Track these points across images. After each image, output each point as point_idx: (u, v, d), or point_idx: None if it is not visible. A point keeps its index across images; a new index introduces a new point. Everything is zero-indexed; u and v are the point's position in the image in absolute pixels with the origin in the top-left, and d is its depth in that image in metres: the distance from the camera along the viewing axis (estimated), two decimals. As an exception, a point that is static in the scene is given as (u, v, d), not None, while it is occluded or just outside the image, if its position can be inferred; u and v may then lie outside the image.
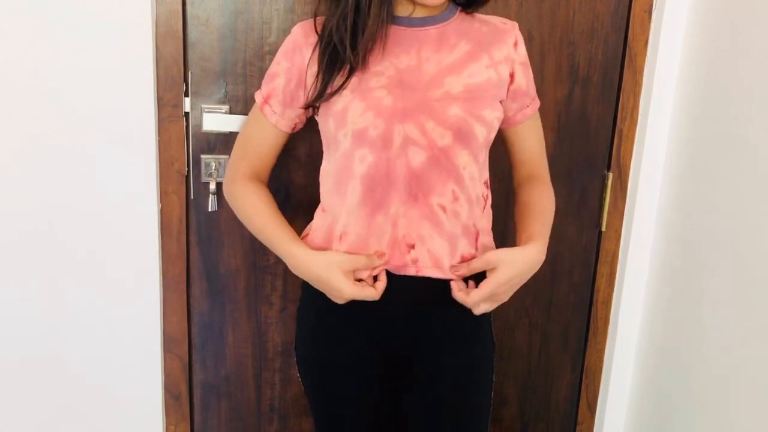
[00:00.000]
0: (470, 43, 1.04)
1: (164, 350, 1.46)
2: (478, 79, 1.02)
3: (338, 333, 1.10)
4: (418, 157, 1.00)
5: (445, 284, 1.05)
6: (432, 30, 1.03)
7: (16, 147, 1.30)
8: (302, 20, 1.34)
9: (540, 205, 1.12)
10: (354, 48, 0.98)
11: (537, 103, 1.14)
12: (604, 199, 1.53)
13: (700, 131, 1.37)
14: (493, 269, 1.01)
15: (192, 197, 1.39)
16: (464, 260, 1.06)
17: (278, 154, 1.15)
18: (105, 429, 1.47)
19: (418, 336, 1.09)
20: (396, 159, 1.00)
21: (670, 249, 1.46)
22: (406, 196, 1.01)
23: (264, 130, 1.11)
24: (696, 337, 1.36)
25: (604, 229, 1.55)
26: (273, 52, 1.34)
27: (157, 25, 1.29)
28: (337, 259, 1.02)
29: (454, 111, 0.99)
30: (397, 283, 1.05)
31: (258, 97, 1.10)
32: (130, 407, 1.47)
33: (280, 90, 1.07)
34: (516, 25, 1.10)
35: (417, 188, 1.01)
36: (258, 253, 1.44)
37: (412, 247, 1.03)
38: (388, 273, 1.05)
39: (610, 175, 1.51)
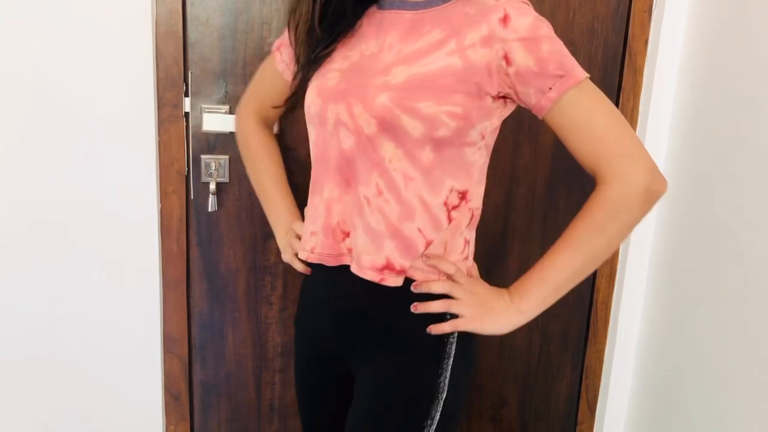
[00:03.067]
0: (445, 31, 0.91)
1: (164, 350, 1.46)
2: (428, 68, 0.89)
3: (299, 322, 1.11)
4: (347, 141, 0.94)
5: (371, 284, 0.96)
6: (407, 15, 0.95)
7: (16, 147, 1.30)
8: (302, 20, 1.35)
9: (572, 235, 0.91)
10: (324, 29, 0.98)
11: (569, 81, 0.87)
12: (604, 199, 1.52)
13: (700, 131, 1.37)
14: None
15: (192, 197, 1.39)
16: (390, 268, 0.94)
17: (284, 105, 1.13)
18: (105, 429, 1.47)
19: (348, 334, 1.01)
20: (330, 139, 0.96)
21: (670, 249, 1.46)
22: (339, 179, 0.96)
23: (273, 76, 1.14)
24: (696, 337, 1.36)
25: (604, 229, 1.55)
26: (273, 52, 1.34)
27: (157, 25, 1.29)
28: (292, 227, 1.14)
29: (381, 100, 0.90)
30: (334, 273, 0.99)
31: (275, 43, 1.13)
32: (130, 407, 1.47)
33: (290, 41, 1.06)
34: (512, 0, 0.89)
35: (348, 173, 0.95)
36: (258, 253, 1.44)
37: (347, 235, 0.97)
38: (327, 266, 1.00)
39: (610, 175, 1.51)
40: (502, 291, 0.97)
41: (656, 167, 0.87)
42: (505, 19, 0.87)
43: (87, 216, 1.35)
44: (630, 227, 0.90)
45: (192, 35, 1.32)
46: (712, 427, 1.30)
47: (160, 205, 1.38)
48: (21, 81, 1.27)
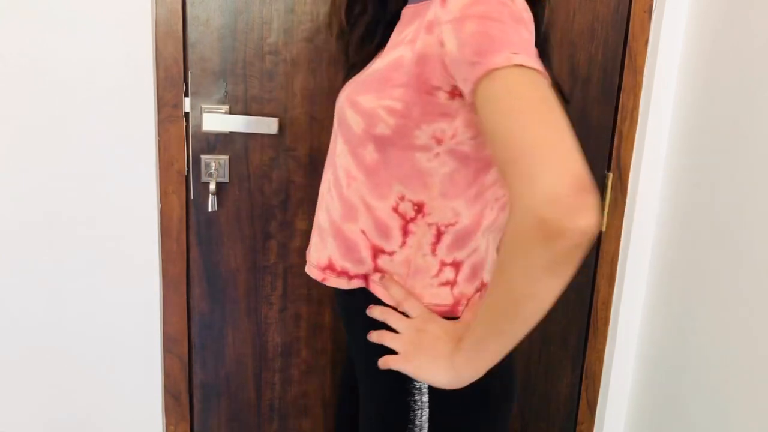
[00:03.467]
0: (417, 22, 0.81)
1: (164, 350, 1.46)
2: (384, 61, 0.82)
3: None
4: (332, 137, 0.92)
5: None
6: (409, 9, 0.88)
7: (15, 146, 1.30)
8: (302, 20, 1.35)
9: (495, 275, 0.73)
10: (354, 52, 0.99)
11: (479, 69, 0.67)
12: (604, 200, 1.52)
13: (700, 131, 1.37)
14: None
15: (192, 197, 1.39)
16: (332, 268, 0.88)
17: None
18: (105, 429, 1.47)
19: (348, 336, 0.98)
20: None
21: (670, 249, 1.46)
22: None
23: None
24: (696, 337, 1.36)
25: (604, 229, 1.55)
26: (273, 52, 1.34)
27: (157, 25, 1.29)
28: None
29: (342, 95, 0.87)
30: None
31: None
32: (130, 407, 1.47)
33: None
34: None
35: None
36: (258, 253, 1.44)
37: None
38: None
39: (610, 176, 1.51)
40: (460, 337, 0.79)
41: (572, 193, 0.61)
42: (444, 0, 0.73)
43: (87, 216, 1.35)
44: (537, 277, 0.65)
45: (192, 35, 1.32)
46: (712, 427, 1.30)
47: (160, 205, 1.38)
48: (21, 81, 1.27)
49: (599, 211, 0.61)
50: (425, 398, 0.84)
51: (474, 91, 0.68)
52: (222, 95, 1.35)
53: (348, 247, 0.87)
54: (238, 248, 1.44)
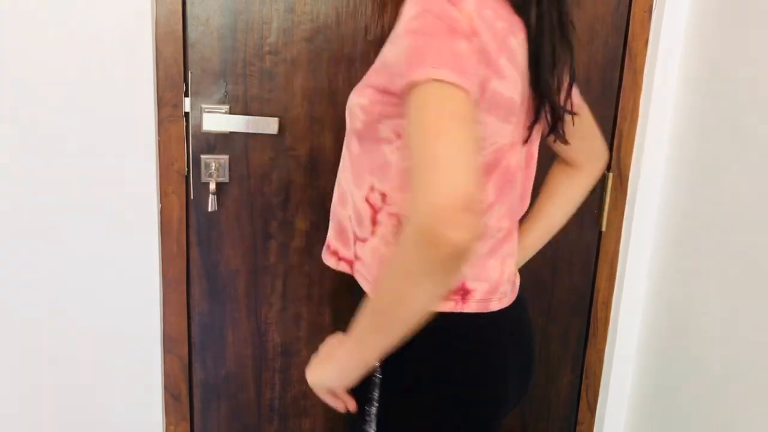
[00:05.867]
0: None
1: (164, 350, 1.46)
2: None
3: None
4: None
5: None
6: None
7: (15, 147, 1.30)
8: (302, 20, 1.35)
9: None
10: None
11: (404, 81, 0.71)
12: (604, 199, 1.52)
13: (700, 131, 1.37)
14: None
15: (192, 197, 1.39)
16: (328, 246, 0.97)
17: None
18: (105, 429, 1.47)
19: None
20: None
21: (670, 249, 1.46)
22: None
23: None
24: (696, 337, 1.36)
25: (604, 229, 1.55)
26: (273, 52, 1.34)
27: (157, 25, 1.29)
28: None
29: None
30: None
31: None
32: (130, 407, 1.47)
33: None
34: None
35: None
36: (258, 253, 1.44)
37: None
38: None
39: (610, 175, 1.51)
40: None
41: (452, 208, 0.64)
42: (401, 10, 0.77)
43: (87, 216, 1.35)
44: (414, 280, 0.68)
45: (192, 35, 1.32)
46: (712, 427, 1.30)
47: (160, 205, 1.38)
48: (21, 81, 1.27)
49: (474, 231, 0.65)
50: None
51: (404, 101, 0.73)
52: (222, 95, 1.35)
53: (340, 230, 0.94)
54: (238, 248, 1.44)
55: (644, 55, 1.45)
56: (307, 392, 1.54)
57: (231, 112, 1.36)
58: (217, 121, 1.34)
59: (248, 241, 1.43)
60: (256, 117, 1.35)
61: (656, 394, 1.51)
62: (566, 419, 1.69)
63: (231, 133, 1.36)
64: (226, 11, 1.32)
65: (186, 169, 1.38)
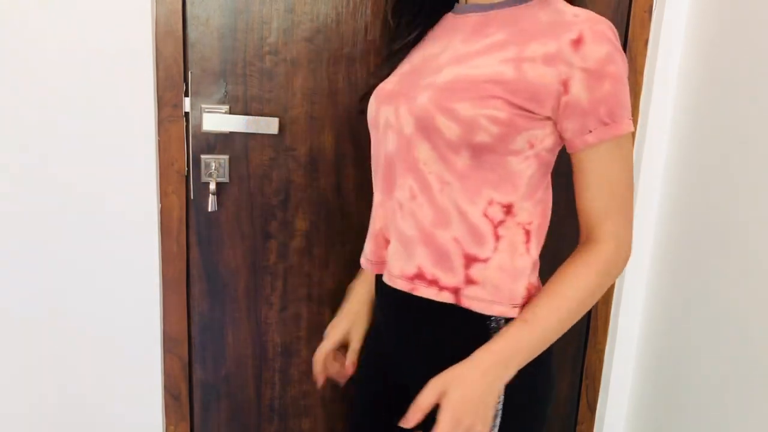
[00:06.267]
0: (508, 35, 0.86)
1: (164, 350, 1.46)
2: (477, 71, 0.85)
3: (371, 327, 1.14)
4: (391, 143, 0.91)
5: (409, 295, 0.91)
6: (472, 17, 0.92)
7: (15, 146, 1.30)
8: (302, 20, 1.36)
9: (557, 286, 0.88)
10: (396, 23, 1.01)
11: (612, 131, 0.83)
12: (604, 199, 1.52)
13: (700, 131, 1.37)
14: (444, 393, 0.83)
15: (192, 197, 1.39)
16: (421, 277, 0.89)
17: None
18: (105, 428, 1.47)
19: (397, 345, 0.98)
20: (380, 143, 0.94)
21: (670, 249, 1.46)
22: (383, 183, 0.94)
23: None
24: (696, 337, 1.36)
25: (604, 229, 1.55)
26: (273, 52, 1.34)
27: (157, 25, 1.29)
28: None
29: (422, 99, 0.86)
30: (380, 282, 0.97)
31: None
32: (130, 407, 1.47)
33: None
34: (593, 19, 0.81)
35: (390, 176, 0.93)
36: (258, 253, 1.44)
37: (389, 242, 0.94)
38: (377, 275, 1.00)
39: (610, 175, 1.51)
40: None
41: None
42: (578, 42, 0.80)
43: (87, 215, 1.35)
44: (599, 292, 0.90)
45: (192, 35, 1.32)
46: (712, 426, 1.30)
47: (160, 205, 1.38)
48: (21, 80, 1.27)
49: None
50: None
51: (592, 143, 0.84)
52: (222, 95, 1.35)
53: (440, 255, 0.88)
54: (238, 248, 1.44)
55: (644, 56, 1.45)
56: (307, 392, 1.54)
57: (231, 112, 1.36)
58: (217, 121, 1.34)
59: (248, 241, 1.43)
60: (256, 117, 1.36)
61: (656, 394, 1.51)
62: (566, 419, 1.69)
63: (231, 133, 1.36)
64: (226, 11, 1.32)
65: (186, 169, 1.38)
